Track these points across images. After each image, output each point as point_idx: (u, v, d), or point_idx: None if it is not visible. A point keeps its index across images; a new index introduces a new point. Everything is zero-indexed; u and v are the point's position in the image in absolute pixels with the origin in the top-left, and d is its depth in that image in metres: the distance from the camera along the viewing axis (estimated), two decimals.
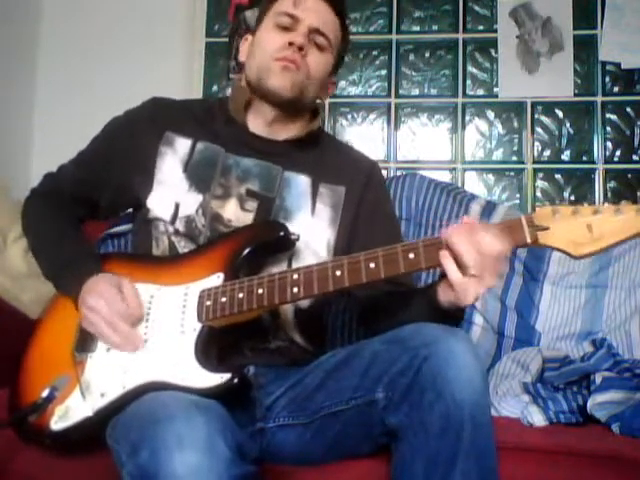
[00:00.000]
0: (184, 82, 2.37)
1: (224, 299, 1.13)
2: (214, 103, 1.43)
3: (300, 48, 1.27)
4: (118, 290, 1.17)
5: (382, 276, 1.07)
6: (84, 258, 1.28)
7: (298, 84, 1.28)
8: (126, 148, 1.35)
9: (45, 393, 1.14)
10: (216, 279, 1.17)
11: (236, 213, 1.29)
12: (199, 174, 1.31)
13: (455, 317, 1.12)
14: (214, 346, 1.15)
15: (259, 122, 1.34)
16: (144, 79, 2.31)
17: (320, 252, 1.30)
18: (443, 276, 1.07)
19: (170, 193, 1.30)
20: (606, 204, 1.02)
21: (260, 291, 1.12)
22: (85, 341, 1.18)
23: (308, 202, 1.32)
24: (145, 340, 1.16)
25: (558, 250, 1.03)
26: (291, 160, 1.33)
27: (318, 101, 1.40)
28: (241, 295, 1.13)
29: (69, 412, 1.12)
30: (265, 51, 1.30)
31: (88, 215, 1.43)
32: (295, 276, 1.11)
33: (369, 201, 1.36)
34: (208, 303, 1.14)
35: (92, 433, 1.11)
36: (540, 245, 1.03)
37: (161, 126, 1.34)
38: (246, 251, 1.20)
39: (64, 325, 1.22)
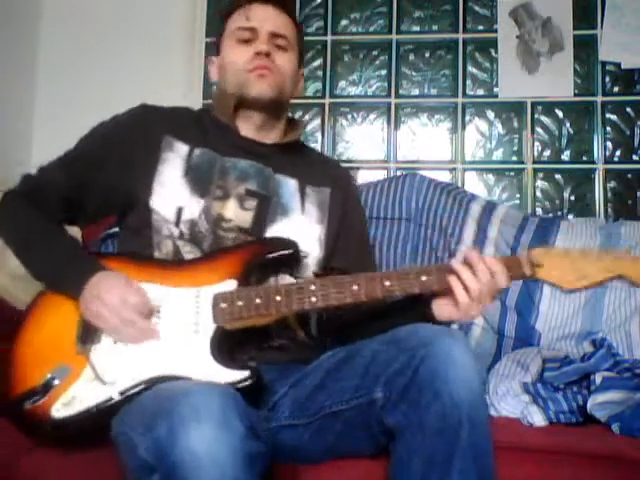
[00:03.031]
0: (184, 82, 2.36)
1: (240, 303, 1.18)
2: (199, 112, 1.48)
3: (267, 54, 1.37)
4: (128, 285, 1.19)
5: (397, 293, 1.19)
6: (83, 257, 1.29)
7: (275, 84, 1.37)
8: (121, 153, 1.35)
9: (43, 381, 1.15)
10: (229, 285, 1.21)
11: (236, 212, 1.33)
12: (199, 178, 1.34)
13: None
14: (226, 346, 1.19)
15: (249, 126, 1.40)
16: (144, 79, 2.30)
17: (313, 248, 1.36)
18: (434, 295, 1.21)
19: (172, 197, 1.32)
20: (593, 248, 1.21)
21: (278, 298, 1.18)
22: (89, 333, 1.19)
23: (298, 202, 1.39)
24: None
25: (551, 284, 1.24)
26: (279, 163, 1.40)
27: (294, 101, 1.49)
28: (259, 300, 1.18)
29: (74, 401, 1.14)
30: (237, 66, 1.37)
31: (68, 219, 1.40)
32: (312, 287, 1.18)
33: (347, 214, 1.45)
34: (224, 305, 1.19)
35: (95, 423, 1.12)
36: (536, 278, 1.23)
37: (159, 130, 1.36)
38: (259, 262, 1.26)
39: (61, 318, 1.22)
